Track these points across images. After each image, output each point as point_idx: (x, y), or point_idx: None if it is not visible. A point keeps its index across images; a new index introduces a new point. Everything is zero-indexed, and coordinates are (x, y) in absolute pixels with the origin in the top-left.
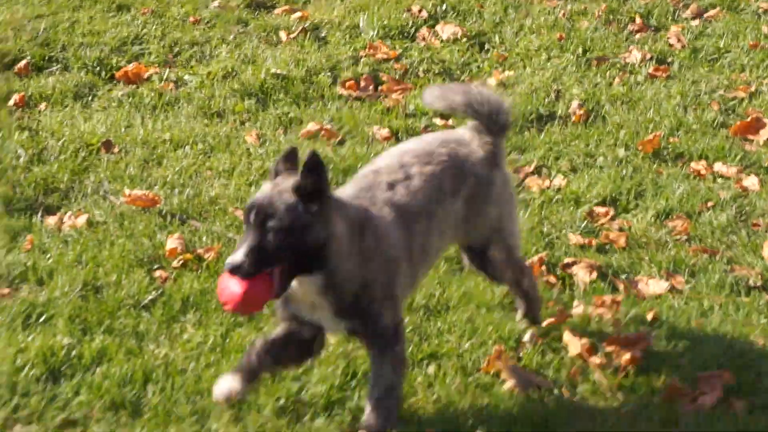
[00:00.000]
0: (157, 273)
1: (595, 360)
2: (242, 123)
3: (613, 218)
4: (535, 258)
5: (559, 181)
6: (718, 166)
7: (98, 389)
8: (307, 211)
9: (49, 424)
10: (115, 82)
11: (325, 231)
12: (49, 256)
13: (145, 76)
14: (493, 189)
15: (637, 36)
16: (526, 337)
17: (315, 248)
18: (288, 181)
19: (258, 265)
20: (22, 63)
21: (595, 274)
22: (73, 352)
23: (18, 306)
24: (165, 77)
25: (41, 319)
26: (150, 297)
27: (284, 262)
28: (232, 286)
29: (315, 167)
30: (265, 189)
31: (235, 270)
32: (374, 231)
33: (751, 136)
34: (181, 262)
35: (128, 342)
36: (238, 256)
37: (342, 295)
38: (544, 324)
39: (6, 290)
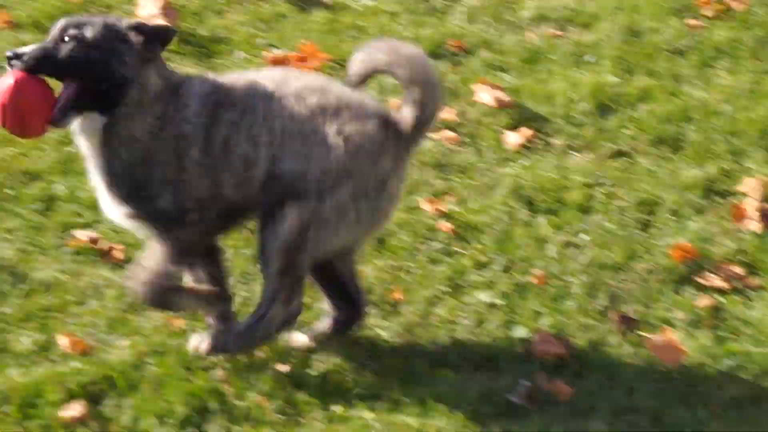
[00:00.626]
0: (691, 21)
1: None
2: None
3: None
4: None
5: None
6: None
7: (643, 124)
8: (127, 41)
9: (600, 152)
10: None
11: (132, 73)
12: (592, 2)
13: None
14: None
15: None
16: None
17: (112, 80)
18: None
19: (41, 63)
20: None
21: None
22: (619, 90)
23: (569, 46)
24: None
25: (589, 59)
26: (684, 43)
27: (73, 76)
28: (3, 80)
29: (167, 34)
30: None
31: (14, 57)
32: (179, 99)
33: None
34: (713, 13)
35: (667, 83)
36: (25, 48)
37: (119, 159)
38: None
39: (556, 31)
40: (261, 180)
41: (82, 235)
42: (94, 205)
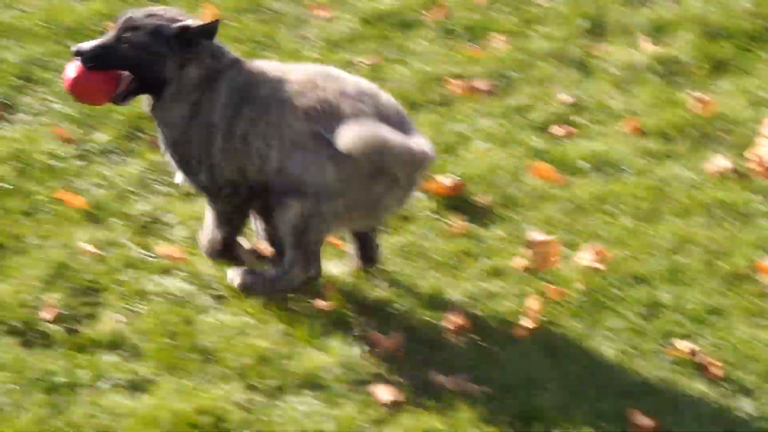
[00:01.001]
0: None
1: None
2: None
3: None
4: None
5: None
6: None
7: None
8: (171, 46)
9: None
10: None
11: (172, 72)
12: None
13: None
14: None
15: None
16: None
17: (155, 77)
18: (173, 13)
19: (98, 59)
20: None
21: None
22: None
23: None
24: None
25: None
26: None
27: (127, 69)
28: (68, 70)
29: (211, 29)
30: (150, 8)
31: (78, 53)
32: (213, 90)
33: None
34: None
35: None
36: (88, 44)
37: (165, 137)
38: None
39: None
40: (275, 171)
41: (682, 345)
42: (698, 318)
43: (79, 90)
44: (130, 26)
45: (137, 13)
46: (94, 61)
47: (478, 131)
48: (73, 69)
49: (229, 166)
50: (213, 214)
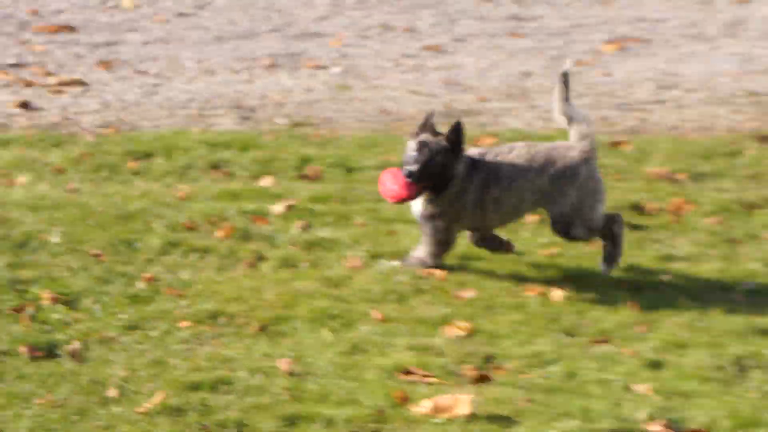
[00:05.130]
0: None
1: None
2: None
3: None
4: None
5: None
6: None
7: None
8: (450, 154)
9: None
10: None
11: (452, 170)
12: None
13: None
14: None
15: None
16: None
17: (445, 180)
18: (438, 135)
19: (421, 177)
20: None
21: None
22: None
23: None
24: None
25: None
26: None
27: (428, 181)
28: (391, 184)
29: (459, 129)
30: (427, 135)
31: (410, 175)
32: (465, 182)
33: None
34: None
35: None
36: (414, 167)
37: (432, 210)
38: None
39: None
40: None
41: None
42: None
43: (401, 198)
44: (432, 151)
45: (427, 137)
46: (418, 179)
47: None
48: (393, 181)
49: (466, 227)
50: (431, 249)
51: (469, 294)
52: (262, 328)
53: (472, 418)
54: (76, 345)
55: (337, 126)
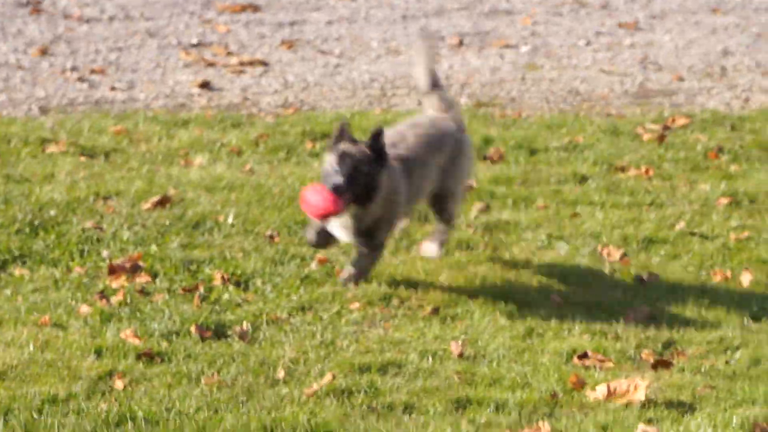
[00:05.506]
0: None
1: None
2: None
3: None
4: None
5: None
6: None
7: None
8: (374, 163)
9: None
10: None
11: (378, 179)
12: None
13: None
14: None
15: None
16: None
17: (371, 190)
18: (357, 144)
19: (348, 189)
20: None
21: None
22: None
23: None
24: None
25: None
26: None
27: (355, 192)
28: (316, 200)
29: (379, 135)
30: (347, 145)
31: (336, 189)
32: (396, 183)
33: None
34: None
35: None
36: (339, 180)
37: (365, 222)
38: None
39: None
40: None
41: None
42: None
43: (327, 213)
44: (356, 161)
45: (349, 148)
46: (345, 192)
47: None
48: (318, 197)
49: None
50: (373, 256)
51: (651, 278)
52: (435, 311)
53: (649, 403)
54: (246, 326)
55: (522, 106)
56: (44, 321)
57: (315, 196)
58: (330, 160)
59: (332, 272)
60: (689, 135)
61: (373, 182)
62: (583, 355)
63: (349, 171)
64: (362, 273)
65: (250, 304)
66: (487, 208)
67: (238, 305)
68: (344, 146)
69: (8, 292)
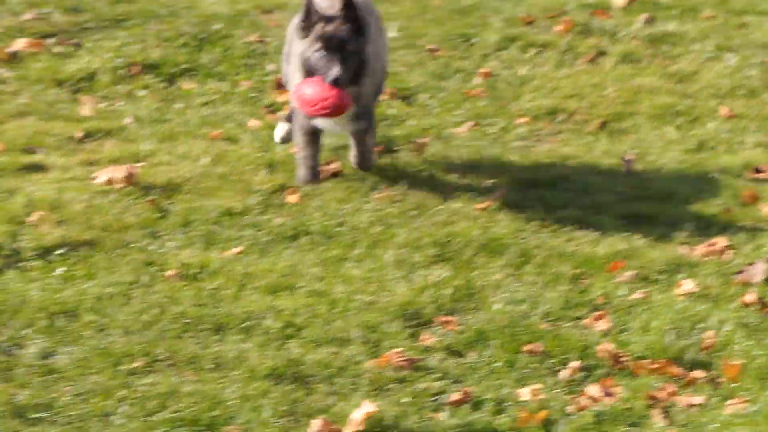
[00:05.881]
0: None
1: None
2: None
3: None
4: None
5: None
6: None
7: None
8: (359, 36)
9: None
10: None
11: (365, 52)
12: None
13: None
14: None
15: None
16: None
17: (363, 65)
18: (333, 21)
19: (348, 77)
20: None
21: None
22: None
23: None
24: None
25: None
26: None
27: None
28: (321, 96)
29: (351, 4)
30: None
31: (336, 82)
32: (378, 47)
33: None
34: None
35: None
36: (337, 71)
37: (361, 102)
38: None
39: None
40: None
41: None
42: None
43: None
44: (342, 43)
45: (334, 30)
46: (346, 81)
47: None
48: (321, 93)
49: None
50: (373, 137)
51: None
52: (602, 126)
53: None
54: (417, 140)
55: None
56: (215, 135)
57: (316, 92)
58: (314, 47)
59: (496, 86)
60: None
61: (363, 57)
62: (757, 169)
63: (342, 56)
64: (373, 149)
65: (416, 119)
66: (652, 20)
67: (403, 120)
68: (325, 27)
69: (178, 105)
